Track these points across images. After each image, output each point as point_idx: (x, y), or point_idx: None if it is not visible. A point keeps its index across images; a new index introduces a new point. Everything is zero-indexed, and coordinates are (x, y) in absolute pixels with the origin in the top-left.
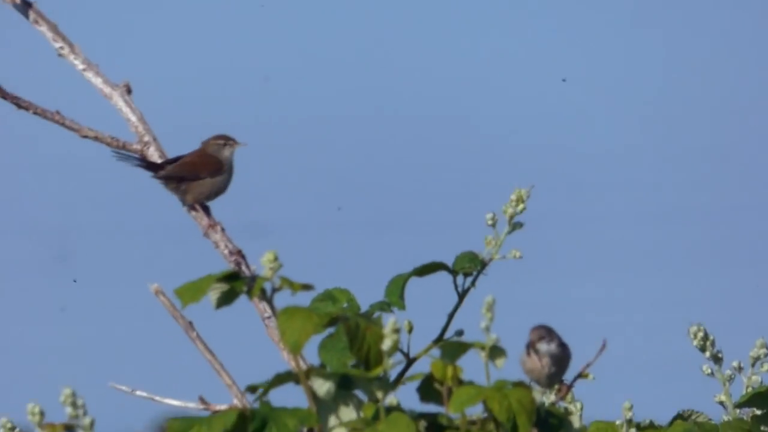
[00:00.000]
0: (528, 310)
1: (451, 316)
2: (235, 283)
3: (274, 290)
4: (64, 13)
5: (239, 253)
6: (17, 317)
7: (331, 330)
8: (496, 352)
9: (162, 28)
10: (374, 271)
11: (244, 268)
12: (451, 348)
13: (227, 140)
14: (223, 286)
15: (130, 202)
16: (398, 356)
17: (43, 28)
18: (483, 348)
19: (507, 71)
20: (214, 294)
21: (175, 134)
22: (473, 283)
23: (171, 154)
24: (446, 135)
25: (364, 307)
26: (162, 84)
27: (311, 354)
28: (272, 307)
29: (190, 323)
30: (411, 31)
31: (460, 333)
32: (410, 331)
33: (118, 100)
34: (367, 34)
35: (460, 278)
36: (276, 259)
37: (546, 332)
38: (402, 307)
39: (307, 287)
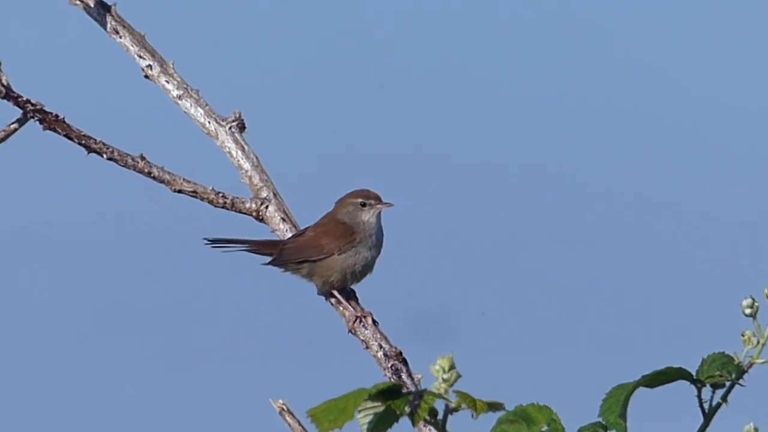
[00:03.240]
0: None
1: None
2: (395, 402)
3: (450, 411)
4: (154, 21)
5: (399, 356)
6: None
7: None
8: None
9: (283, 37)
10: (585, 381)
11: (405, 377)
12: None
13: (367, 198)
14: (378, 406)
15: (240, 281)
16: None
17: (125, 40)
18: None
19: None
20: (364, 417)
21: (303, 186)
22: (725, 398)
23: (297, 214)
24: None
25: (571, 431)
26: (286, 118)
27: None
28: None
29: None
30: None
31: None
32: None
33: (226, 140)
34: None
35: (706, 390)
36: (453, 366)
37: None
38: (623, 430)
39: (496, 407)
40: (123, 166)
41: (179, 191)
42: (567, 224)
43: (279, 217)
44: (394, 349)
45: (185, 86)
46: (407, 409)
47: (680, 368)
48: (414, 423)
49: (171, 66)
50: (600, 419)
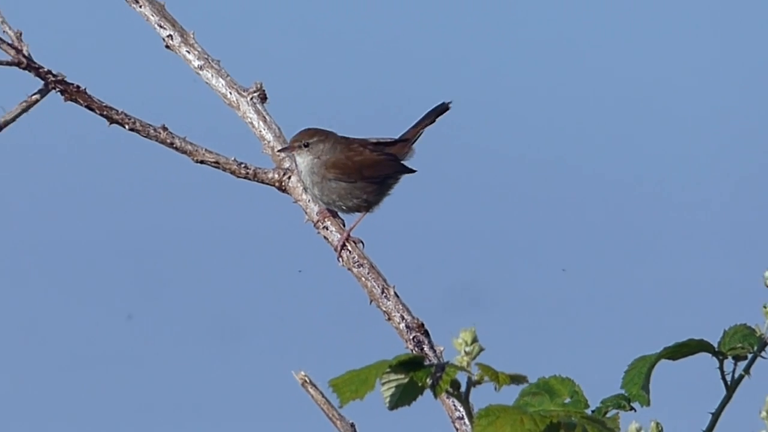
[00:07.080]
0: None
1: (716, 416)
2: (417, 374)
3: (472, 383)
4: None
5: (420, 327)
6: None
7: None
8: None
9: (304, 7)
10: (608, 352)
11: (427, 349)
12: None
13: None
14: (401, 378)
15: (262, 248)
16: None
17: (146, 10)
18: None
19: None
20: (387, 388)
21: None
22: (747, 370)
23: None
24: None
25: (593, 403)
26: (308, 88)
27: None
28: (467, 407)
29: (353, 426)
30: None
31: None
32: None
33: (248, 111)
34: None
35: (728, 362)
36: (475, 340)
37: None
38: (646, 402)
39: (518, 379)
40: (145, 136)
41: (201, 162)
42: (592, 206)
43: (301, 188)
44: (416, 321)
45: (206, 56)
46: (429, 381)
47: (702, 340)
48: (436, 395)
49: (192, 36)
50: (622, 391)
